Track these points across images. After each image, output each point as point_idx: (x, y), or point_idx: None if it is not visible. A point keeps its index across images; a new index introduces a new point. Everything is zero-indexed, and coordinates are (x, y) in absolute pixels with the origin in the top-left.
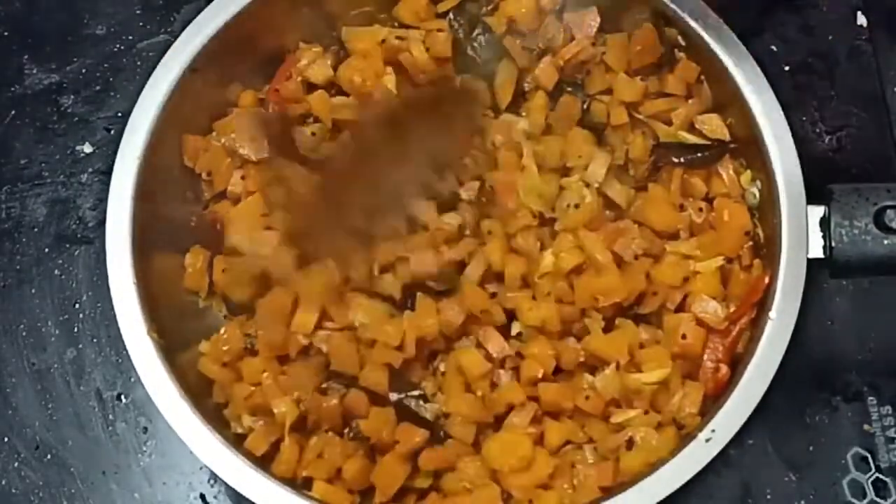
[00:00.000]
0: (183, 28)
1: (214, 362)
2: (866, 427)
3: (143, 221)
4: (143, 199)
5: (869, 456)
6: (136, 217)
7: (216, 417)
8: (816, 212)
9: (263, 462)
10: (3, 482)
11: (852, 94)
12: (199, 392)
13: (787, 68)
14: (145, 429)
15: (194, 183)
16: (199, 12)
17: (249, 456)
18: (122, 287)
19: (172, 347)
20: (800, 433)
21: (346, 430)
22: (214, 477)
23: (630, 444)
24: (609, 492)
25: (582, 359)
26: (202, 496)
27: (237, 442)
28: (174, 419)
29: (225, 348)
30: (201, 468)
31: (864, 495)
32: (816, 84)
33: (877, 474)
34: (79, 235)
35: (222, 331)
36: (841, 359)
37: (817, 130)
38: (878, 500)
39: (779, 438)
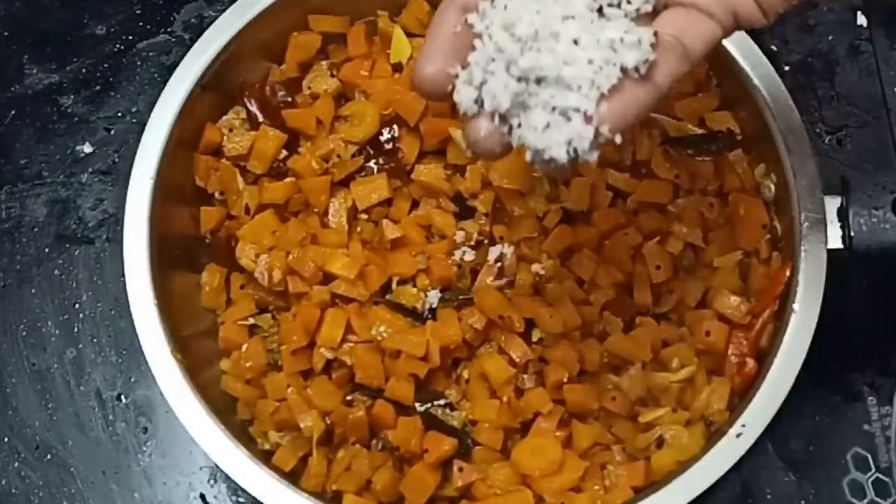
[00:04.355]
0: (183, 28)
1: (237, 380)
2: (866, 427)
3: (160, 242)
4: (159, 219)
5: (869, 456)
6: (153, 238)
7: (242, 435)
8: (833, 202)
9: (292, 478)
10: (3, 482)
11: (852, 94)
12: (223, 410)
13: (787, 68)
14: (145, 429)
15: (206, 200)
16: (199, 13)
17: (278, 472)
18: (144, 309)
19: (194, 367)
20: (800, 433)
21: (373, 442)
22: (214, 477)
23: (660, 442)
24: (641, 492)
25: (605, 359)
26: (202, 496)
27: (264, 459)
28: (204, 441)
29: (248, 365)
30: (201, 468)
31: (864, 495)
32: (816, 84)
33: (877, 474)
34: (79, 235)
35: (244, 347)
36: (841, 358)
37: (817, 130)
38: (878, 500)
39: (779, 438)
